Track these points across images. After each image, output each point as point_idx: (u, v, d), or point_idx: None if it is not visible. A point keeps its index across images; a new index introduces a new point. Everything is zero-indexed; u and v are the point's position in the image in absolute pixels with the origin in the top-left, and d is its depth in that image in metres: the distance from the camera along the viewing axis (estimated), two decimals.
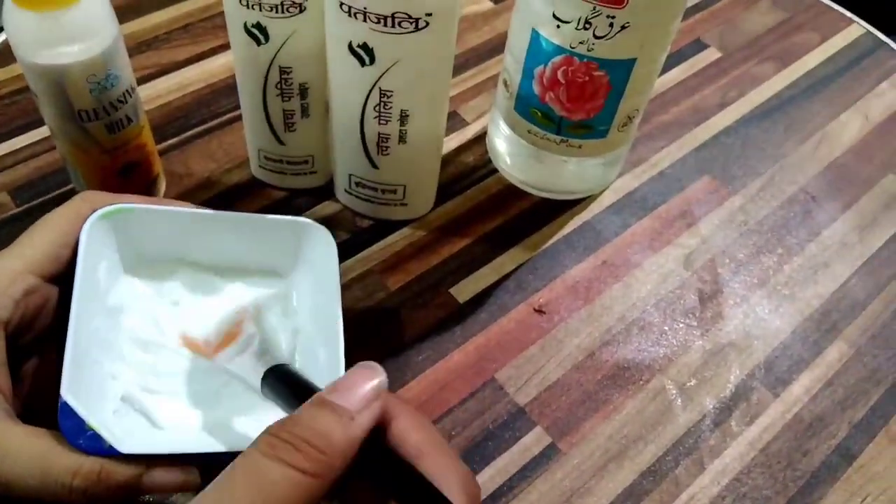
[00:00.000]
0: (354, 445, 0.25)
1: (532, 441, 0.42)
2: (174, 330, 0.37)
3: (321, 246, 0.37)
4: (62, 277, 0.33)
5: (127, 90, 0.42)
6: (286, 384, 0.30)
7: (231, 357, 0.35)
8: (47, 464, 0.28)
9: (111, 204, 0.34)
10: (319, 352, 0.36)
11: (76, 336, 0.31)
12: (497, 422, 0.42)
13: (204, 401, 0.35)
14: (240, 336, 0.36)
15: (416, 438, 0.26)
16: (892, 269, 0.51)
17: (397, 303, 0.46)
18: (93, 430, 0.29)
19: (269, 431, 0.25)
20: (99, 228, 0.34)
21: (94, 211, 0.34)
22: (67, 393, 0.29)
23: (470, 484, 0.26)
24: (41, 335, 0.33)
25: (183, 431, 0.33)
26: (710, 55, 0.64)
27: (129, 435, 0.30)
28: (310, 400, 0.26)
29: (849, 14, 0.69)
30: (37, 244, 0.32)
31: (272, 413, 0.30)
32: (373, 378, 0.26)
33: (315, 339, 0.37)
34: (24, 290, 0.31)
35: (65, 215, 0.33)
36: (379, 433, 0.26)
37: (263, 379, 0.31)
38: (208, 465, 0.31)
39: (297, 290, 0.39)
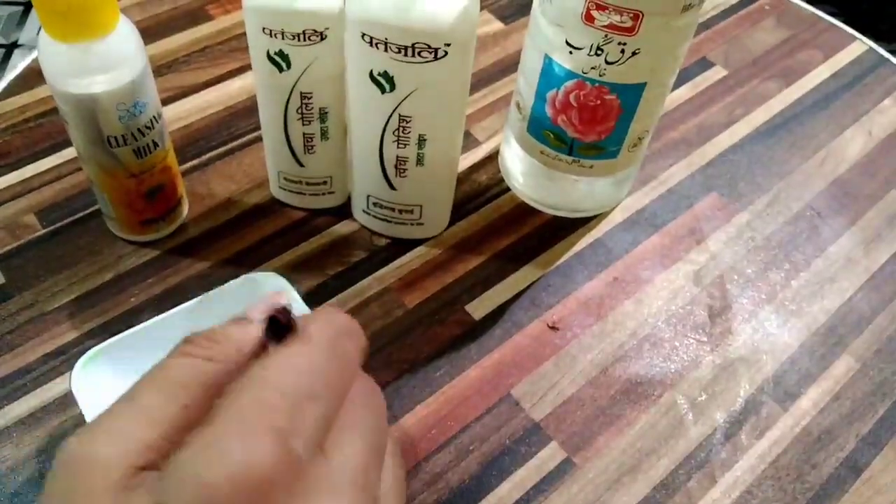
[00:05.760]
0: (249, 336, 0.26)
1: (548, 455, 0.43)
2: None
3: (278, 288, 0.42)
4: None
5: (154, 116, 0.43)
6: None
7: None
8: None
9: None
10: None
11: None
12: (513, 437, 0.43)
13: None
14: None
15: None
16: None
17: (414, 320, 0.48)
18: None
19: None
20: (88, 374, 0.39)
21: None
22: None
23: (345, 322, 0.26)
24: None
25: None
26: (716, 73, 0.65)
27: None
28: None
29: (851, 31, 0.70)
30: None
31: None
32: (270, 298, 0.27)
33: None
34: None
35: None
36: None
37: None
38: None
39: None
